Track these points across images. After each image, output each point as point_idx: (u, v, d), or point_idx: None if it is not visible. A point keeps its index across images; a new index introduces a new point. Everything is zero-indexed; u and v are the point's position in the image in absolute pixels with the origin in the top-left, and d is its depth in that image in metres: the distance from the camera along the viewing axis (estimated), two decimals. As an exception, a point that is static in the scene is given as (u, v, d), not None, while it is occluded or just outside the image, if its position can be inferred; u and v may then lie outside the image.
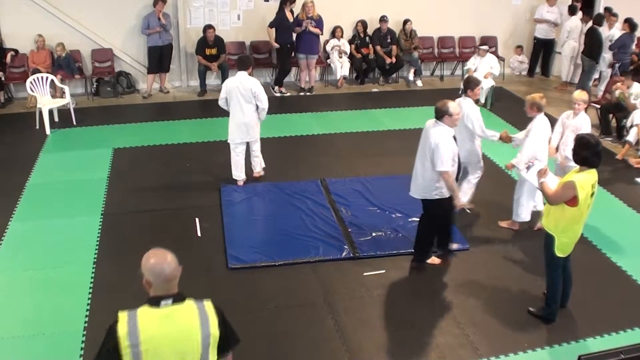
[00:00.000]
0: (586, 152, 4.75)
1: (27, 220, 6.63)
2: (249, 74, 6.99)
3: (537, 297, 5.49)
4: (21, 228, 6.48)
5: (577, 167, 4.88)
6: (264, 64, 11.42)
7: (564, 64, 11.89)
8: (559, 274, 5.10)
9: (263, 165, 7.63)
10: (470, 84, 6.50)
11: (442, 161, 5.26)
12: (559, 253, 4.96)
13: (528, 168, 5.45)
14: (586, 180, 4.75)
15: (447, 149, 5.27)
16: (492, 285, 5.65)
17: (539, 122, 6.11)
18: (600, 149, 4.82)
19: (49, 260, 5.92)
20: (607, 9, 11.26)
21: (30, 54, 10.07)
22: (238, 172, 7.36)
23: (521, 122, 8.02)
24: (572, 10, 11.63)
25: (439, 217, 5.65)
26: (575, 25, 11.53)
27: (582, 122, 6.34)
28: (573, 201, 4.73)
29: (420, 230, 5.81)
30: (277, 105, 10.43)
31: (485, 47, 10.70)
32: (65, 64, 10.04)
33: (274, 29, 10.66)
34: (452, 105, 5.37)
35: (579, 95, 6.45)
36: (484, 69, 10.52)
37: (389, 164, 8.13)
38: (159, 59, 10.49)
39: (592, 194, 4.84)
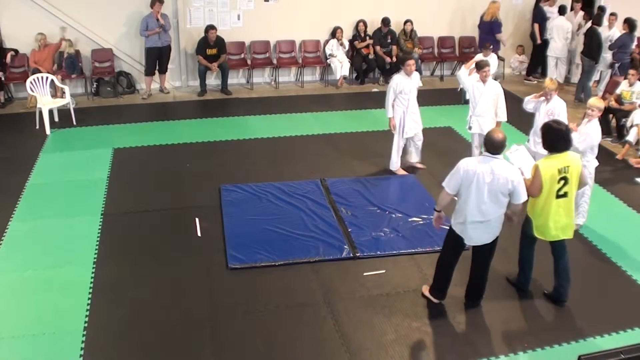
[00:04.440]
0: (549, 138, 5.00)
1: (27, 220, 6.63)
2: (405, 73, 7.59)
3: (538, 296, 5.50)
4: (21, 228, 6.48)
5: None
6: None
7: (549, 65, 11.86)
8: (529, 250, 5.41)
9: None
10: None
11: (524, 193, 4.92)
12: (537, 234, 5.20)
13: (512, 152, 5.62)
14: (550, 164, 4.95)
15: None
16: (492, 285, 5.64)
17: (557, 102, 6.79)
18: (565, 133, 4.97)
19: (49, 260, 5.91)
20: (600, 8, 11.29)
21: (32, 53, 10.04)
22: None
23: (520, 122, 8.05)
24: (561, 10, 11.62)
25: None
26: (558, 25, 11.45)
27: (591, 129, 6.12)
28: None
29: (483, 272, 5.31)
30: (277, 105, 10.45)
31: (491, 47, 10.86)
32: (69, 63, 10.03)
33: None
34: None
35: (595, 102, 6.28)
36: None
37: (389, 164, 8.13)
38: (157, 61, 10.49)
39: (564, 179, 4.96)
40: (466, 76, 7.68)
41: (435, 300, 5.42)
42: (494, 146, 4.78)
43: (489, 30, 11.36)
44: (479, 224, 4.93)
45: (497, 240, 5.13)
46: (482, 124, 7.47)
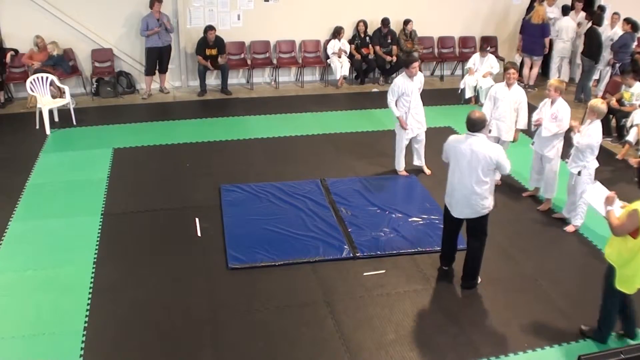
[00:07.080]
0: None
1: (27, 220, 6.63)
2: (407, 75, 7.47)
3: (538, 296, 5.49)
4: (21, 228, 6.48)
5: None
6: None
7: (552, 64, 11.82)
8: (615, 303, 4.79)
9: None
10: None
11: (508, 164, 5.18)
12: (620, 286, 4.64)
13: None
14: None
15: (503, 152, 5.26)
16: (492, 285, 5.66)
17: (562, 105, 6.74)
18: None
19: (49, 260, 5.91)
20: (600, 7, 11.29)
21: (29, 52, 10.01)
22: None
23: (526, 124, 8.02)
24: (564, 10, 11.61)
25: (485, 232, 5.49)
26: (566, 25, 11.41)
27: (592, 130, 6.22)
28: (636, 232, 4.38)
29: (476, 253, 5.51)
30: (277, 105, 10.45)
31: (490, 48, 10.86)
32: (56, 61, 9.98)
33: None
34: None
35: (596, 104, 6.30)
36: (485, 68, 10.59)
37: (389, 164, 8.12)
38: (158, 61, 10.49)
39: None
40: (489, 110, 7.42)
41: (444, 267, 5.84)
42: (470, 123, 5.15)
43: (540, 33, 11.19)
44: (458, 196, 5.30)
45: (485, 222, 5.36)
46: (500, 128, 7.33)
